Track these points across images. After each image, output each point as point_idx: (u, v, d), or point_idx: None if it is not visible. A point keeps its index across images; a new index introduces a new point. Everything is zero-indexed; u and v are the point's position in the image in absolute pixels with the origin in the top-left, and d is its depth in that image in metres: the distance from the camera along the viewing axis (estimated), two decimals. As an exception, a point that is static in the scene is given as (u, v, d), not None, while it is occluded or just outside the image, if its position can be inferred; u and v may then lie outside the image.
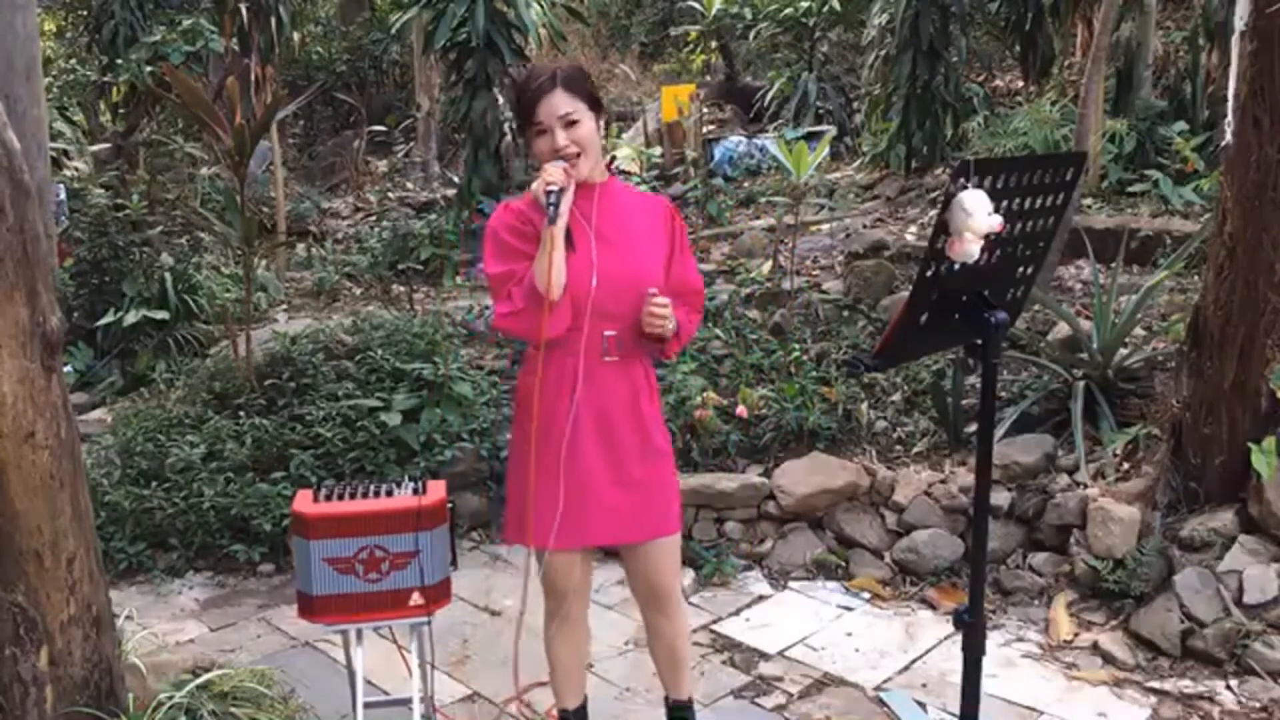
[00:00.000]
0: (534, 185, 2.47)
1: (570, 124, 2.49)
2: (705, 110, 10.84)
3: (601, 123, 2.58)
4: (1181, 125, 6.83)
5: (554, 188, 2.41)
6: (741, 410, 4.70)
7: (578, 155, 2.49)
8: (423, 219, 8.03)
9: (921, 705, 3.37)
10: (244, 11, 9.39)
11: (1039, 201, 2.15)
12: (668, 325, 2.52)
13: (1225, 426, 3.76)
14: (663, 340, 2.58)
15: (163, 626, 3.77)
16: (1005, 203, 2.04)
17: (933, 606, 4.02)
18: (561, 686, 2.84)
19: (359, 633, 2.87)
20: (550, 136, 2.49)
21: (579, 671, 2.87)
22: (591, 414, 2.56)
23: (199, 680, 2.80)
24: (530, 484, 2.56)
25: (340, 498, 2.82)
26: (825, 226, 7.42)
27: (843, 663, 3.64)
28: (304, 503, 2.80)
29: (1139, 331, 4.89)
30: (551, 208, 2.40)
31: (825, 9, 10.23)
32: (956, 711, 2.37)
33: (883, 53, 8.73)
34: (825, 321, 5.46)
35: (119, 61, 9.56)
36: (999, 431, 4.38)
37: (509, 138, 7.95)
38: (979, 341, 2.17)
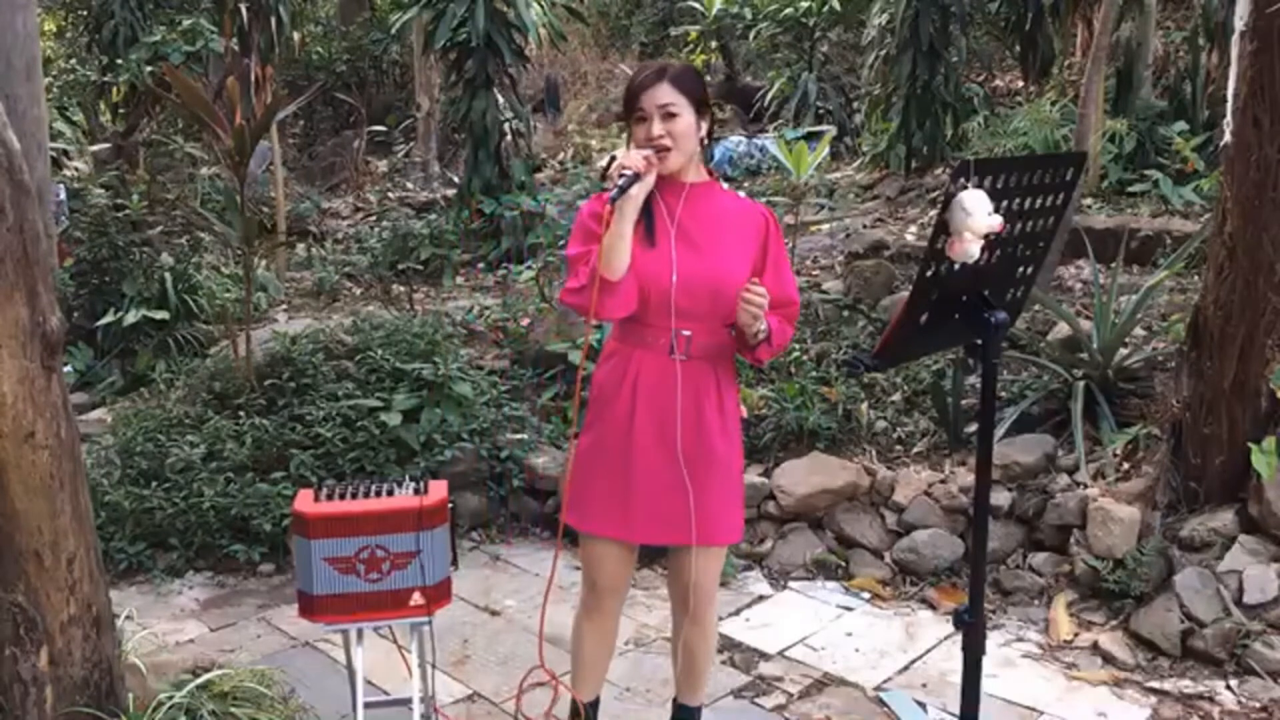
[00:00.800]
0: (610, 166, 2.46)
1: (669, 116, 2.49)
2: (705, 110, 10.82)
3: (705, 124, 2.57)
4: (1181, 125, 6.83)
5: (627, 171, 2.40)
6: (742, 410, 4.69)
7: (668, 149, 2.49)
8: (423, 219, 8.04)
9: (921, 705, 3.37)
10: (244, 11, 9.39)
11: (1039, 201, 2.15)
12: (759, 322, 2.48)
13: (1225, 426, 3.76)
14: (752, 342, 2.55)
15: (163, 626, 3.77)
16: (1005, 203, 2.04)
17: (933, 606, 4.02)
18: (581, 678, 2.84)
19: (359, 633, 2.87)
20: (647, 125, 2.50)
21: (601, 666, 2.87)
22: (652, 411, 2.56)
23: (199, 680, 2.80)
24: (590, 475, 2.60)
25: (341, 497, 2.82)
26: (825, 226, 7.43)
27: (843, 663, 3.64)
28: (305, 502, 2.80)
29: (1139, 331, 4.89)
30: (617, 189, 2.38)
31: (825, 9, 10.23)
32: (956, 711, 2.37)
33: (883, 53, 8.73)
34: (825, 321, 5.46)
35: (119, 61, 9.56)
36: (999, 431, 4.38)
37: (509, 138, 7.95)
38: (979, 341, 2.17)
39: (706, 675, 2.93)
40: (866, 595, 4.12)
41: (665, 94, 2.49)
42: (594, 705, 2.89)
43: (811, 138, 7.52)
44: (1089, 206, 6.60)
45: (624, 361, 2.60)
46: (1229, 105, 3.64)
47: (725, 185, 2.81)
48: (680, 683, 2.91)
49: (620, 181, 2.39)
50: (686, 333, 2.55)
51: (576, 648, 2.82)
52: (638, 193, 2.43)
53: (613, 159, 2.47)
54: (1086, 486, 4.06)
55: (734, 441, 2.68)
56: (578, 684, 2.85)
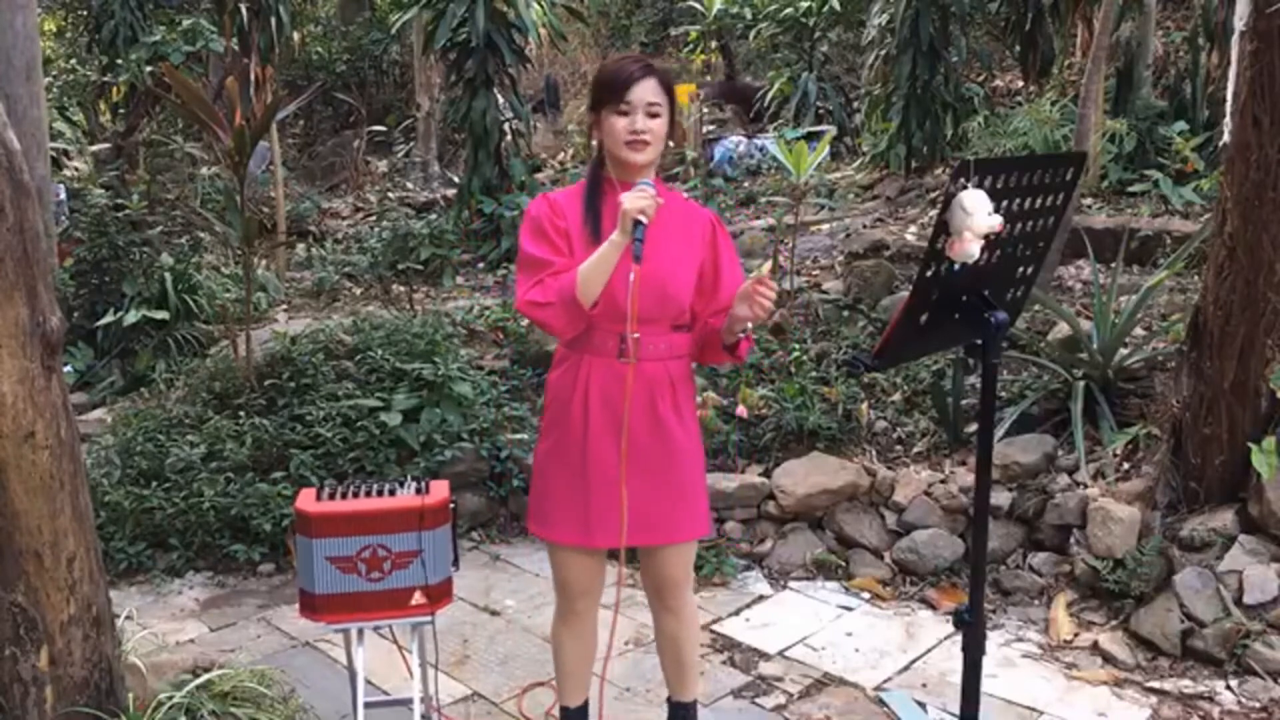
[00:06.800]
0: (627, 203, 2.40)
1: (652, 115, 2.50)
2: (705, 110, 10.86)
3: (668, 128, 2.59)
4: (1181, 125, 6.83)
5: (643, 219, 2.37)
6: (741, 410, 4.70)
7: (647, 144, 2.50)
8: (423, 219, 8.03)
9: (921, 705, 3.37)
10: (244, 11, 9.40)
11: (1039, 201, 2.15)
12: (758, 317, 2.44)
13: (1225, 426, 3.76)
14: (732, 338, 2.53)
15: (163, 626, 3.77)
16: (1005, 203, 2.04)
17: (933, 606, 4.02)
18: (566, 684, 2.85)
19: (359, 632, 2.87)
20: (631, 119, 2.49)
21: (585, 670, 2.87)
22: (607, 415, 2.56)
23: (199, 680, 2.80)
24: (549, 481, 2.62)
25: (343, 496, 2.82)
26: (825, 226, 7.43)
27: (843, 663, 3.64)
28: (307, 501, 2.80)
29: (1139, 331, 4.89)
30: (638, 242, 2.36)
31: (825, 9, 10.24)
32: (956, 711, 2.37)
33: (883, 53, 8.74)
34: (825, 321, 5.46)
35: (119, 61, 9.56)
36: (999, 431, 4.38)
37: (509, 138, 7.95)
38: (979, 341, 2.17)
39: (695, 668, 2.93)
40: (866, 595, 4.12)
41: (653, 92, 2.50)
42: (583, 708, 2.89)
43: (811, 138, 7.51)
44: (1089, 206, 6.60)
45: (575, 367, 2.60)
46: (1229, 105, 3.64)
47: (667, 186, 2.80)
48: (671, 679, 2.90)
49: (638, 233, 2.37)
50: (635, 336, 2.54)
51: (557, 654, 2.83)
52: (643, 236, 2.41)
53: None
54: (1086, 486, 4.06)
55: (693, 437, 2.69)
56: (563, 689, 2.86)
